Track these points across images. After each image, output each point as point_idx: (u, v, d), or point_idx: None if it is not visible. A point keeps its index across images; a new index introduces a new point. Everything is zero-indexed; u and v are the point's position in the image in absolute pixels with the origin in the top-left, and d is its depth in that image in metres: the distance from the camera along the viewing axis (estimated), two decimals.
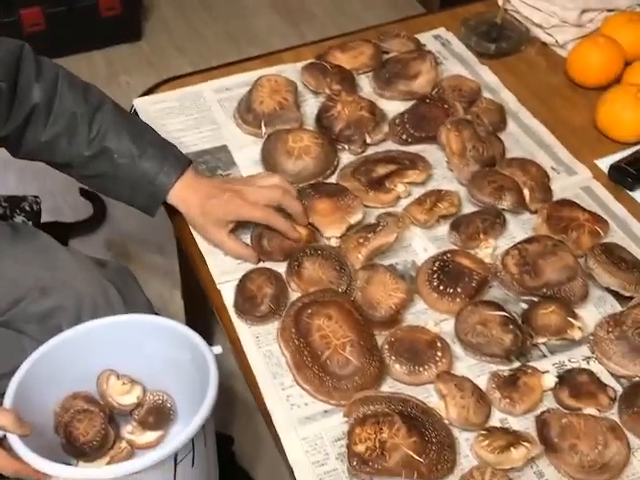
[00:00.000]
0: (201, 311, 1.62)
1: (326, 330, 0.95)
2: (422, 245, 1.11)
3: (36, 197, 1.43)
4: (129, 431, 1.13)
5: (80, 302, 1.17)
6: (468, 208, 1.15)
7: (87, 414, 1.06)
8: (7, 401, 0.99)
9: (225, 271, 1.07)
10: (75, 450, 1.06)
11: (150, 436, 1.13)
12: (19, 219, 1.43)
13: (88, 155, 1.08)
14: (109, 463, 1.09)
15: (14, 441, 0.95)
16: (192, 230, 1.12)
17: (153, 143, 1.10)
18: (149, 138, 1.11)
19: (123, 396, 1.09)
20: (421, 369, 0.95)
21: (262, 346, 1.00)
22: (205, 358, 1.03)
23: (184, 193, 1.09)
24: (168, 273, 1.87)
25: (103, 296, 1.20)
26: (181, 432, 0.97)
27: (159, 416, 1.12)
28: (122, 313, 1.19)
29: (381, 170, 1.16)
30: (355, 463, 0.86)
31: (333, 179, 1.18)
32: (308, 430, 0.91)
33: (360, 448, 0.87)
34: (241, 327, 1.02)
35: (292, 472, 0.89)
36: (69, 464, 1.08)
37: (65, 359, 1.07)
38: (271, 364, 0.98)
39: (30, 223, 1.42)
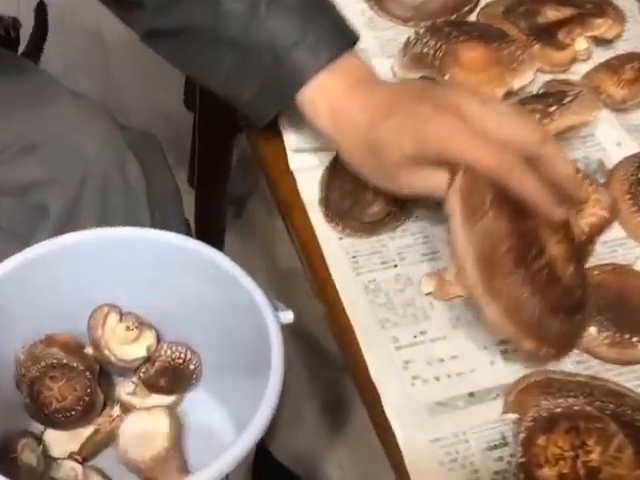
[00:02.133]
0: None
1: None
2: (613, 137, 0.70)
3: (14, 18, 1.01)
4: (128, 391, 0.74)
5: (83, 174, 0.78)
6: None
7: (65, 371, 0.67)
8: None
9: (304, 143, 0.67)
10: (44, 418, 0.69)
11: (157, 400, 0.75)
12: None
13: None
14: (93, 436, 0.71)
15: None
16: None
17: None
18: None
19: (126, 346, 0.71)
20: (635, 339, 0.57)
21: (362, 272, 0.61)
22: (265, 327, 0.63)
23: (337, 94, 0.60)
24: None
25: (118, 170, 0.80)
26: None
27: (175, 379, 0.74)
28: (142, 201, 0.81)
29: (552, 14, 0.74)
30: None
31: (472, 18, 0.77)
32: (442, 426, 0.54)
33: (548, 474, 0.49)
34: (329, 239, 0.63)
35: None
36: (30, 433, 0.71)
37: (41, 282, 0.69)
38: (378, 304, 0.60)
39: None
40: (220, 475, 0.56)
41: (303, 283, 0.69)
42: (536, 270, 0.53)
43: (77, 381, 0.69)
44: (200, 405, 0.78)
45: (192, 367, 0.75)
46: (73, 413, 0.69)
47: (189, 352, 0.74)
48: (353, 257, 0.62)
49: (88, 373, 0.69)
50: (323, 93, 0.60)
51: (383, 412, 0.54)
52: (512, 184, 0.53)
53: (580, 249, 0.61)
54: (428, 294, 0.60)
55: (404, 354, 0.57)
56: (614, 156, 0.69)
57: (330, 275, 0.61)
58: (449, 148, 0.54)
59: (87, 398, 0.69)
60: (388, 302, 0.59)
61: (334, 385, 1.25)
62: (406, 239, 0.63)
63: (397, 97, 0.59)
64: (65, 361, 0.69)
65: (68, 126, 0.81)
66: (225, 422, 0.77)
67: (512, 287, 0.52)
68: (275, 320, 0.63)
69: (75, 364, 0.69)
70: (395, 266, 0.61)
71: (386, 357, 0.57)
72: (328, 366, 1.26)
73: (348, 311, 0.59)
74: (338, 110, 0.59)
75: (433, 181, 0.56)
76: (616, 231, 0.64)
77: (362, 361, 0.57)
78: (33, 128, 0.80)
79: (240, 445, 0.57)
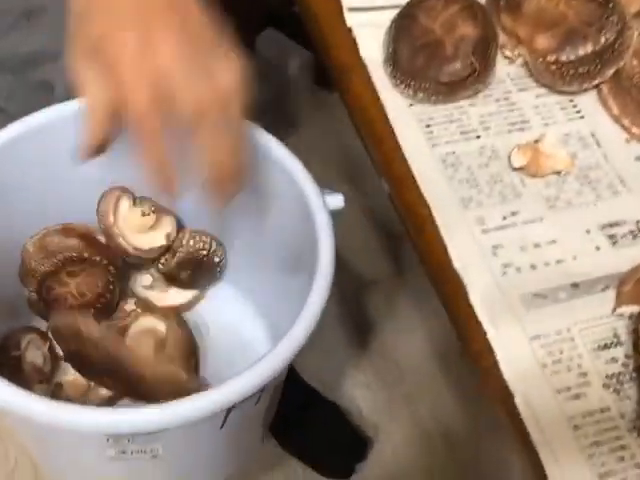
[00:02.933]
0: None
1: None
2: None
3: None
4: (145, 284, 0.66)
5: None
6: None
7: (87, 265, 0.58)
8: None
9: None
10: (54, 314, 0.60)
11: (177, 296, 0.67)
12: None
13: None
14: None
15: None
16: None
17: None
18: None
19: (143, 234, 0.62)
20: None
21: (438, 144, 0.51)
22: (310, 214, 0.53)
23: None
24: None
25: None
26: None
27: (198, 273, 0.65)
28: None
29: None
30: None
31: None
32: (542, 321, 0.44)
33: None
34: (396, 106, 0.52)
35: (506, 407, 0.43)
36: (36, 329, 0.63)
37: (44, 159, 0.58)
38: (458, 180, 0.50)
39: None
40: (260, 384, 0.47)
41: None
42: None
43: (99, 277, 0.60)
44: (224, 302, 0.69)
45: (217, 259, 0.65)
46: (91, 311, 0.60)
47: (214, 243, 0.64)
48: (427, 126, 0.51)
49: (112, 267, 0.60)
50: None
51: (468, 306, 0.45)
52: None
53: None
54: (519, 169, 0.50)
55: (492, 238, 0.47)
56: None
57: (399, 147, 0.51)
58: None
59: (108, 295, 0.61)
60: (471, 178, 0.50)
61: (360, 304, 1.17)
62: (490, 106, 0.52)
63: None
64: (86, 254, 0.60)
65: None
66: (252, 321, 0.68)
67: None
68: (323, 206, 0.53)
69: (98, 258, 0.60)
70: (478, 137, 0.51)
71: (470, 242, 0.47)
72: (353, 282, 1.18)
73: (423, 189, 0.49)
74: None
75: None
76: None
77: (439, 247, 0.47)
78: None
79: (281, 352, 0.47)
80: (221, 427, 0.52)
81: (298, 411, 1.00)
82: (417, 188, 0.49)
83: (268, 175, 0.56)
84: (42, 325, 0.64)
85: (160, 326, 0.63)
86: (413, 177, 0.50)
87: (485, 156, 0.50)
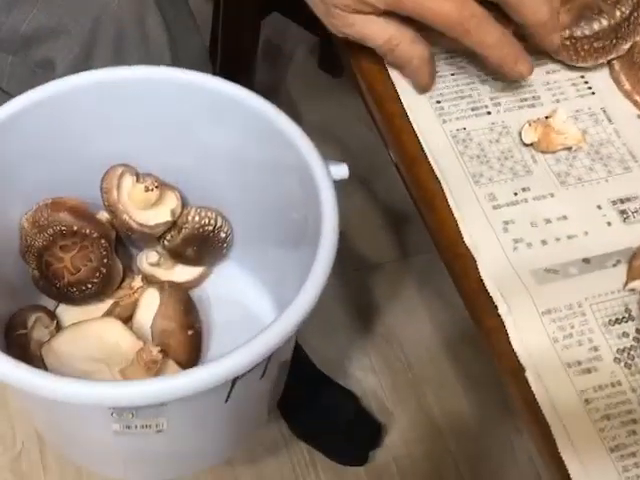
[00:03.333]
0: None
1: None
2: None
3: None
4: (151, 261, 0.66)
5: (95, 22, 0.65)
6: None
7: (77, 239, 0.58)
8: None
9: None
10: (56, 292, 0.61)
11: (182, 273, 0.67)
12: None
13: None
14: (112, 309, 0.63)
15: None
16: None
17: None
18: None
19: (147, 210, 0.62)
20: None
21: (449, 120, 0.51)
22: (313, 181, 0.53)
23: None
24: None
25: (137, 22, 0.67)
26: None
27: (204, 249, 0.65)
28: (165, 60, 0.69)
29: None
30: None
31: None
32: (553, 296, 0.44)
33: None
34: (406, 81, 0.52)
35: (517, 382, 0.43)
36: (42, 307, 0.62)
37: (46, 132, 0.58)
38: (469, 157, 0.49)
39: None
40: (265, 353, 0.47)
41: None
42: None
43: (92, 250, 0.60)
44: (231, 278, 0.70)
45: (223, 235, 0.65)
46: (89, 286, 0.60)
47: (220, 218, 0.65)
48: (437, 102, 0.51)
49: (104, 241, 0.60)
50: None
51: (479, 281, 0.45)
52: (469, 41, 0.47)
53: None
54: (529, 145, 0.50)
55: (503, 214, 0.47)
56: None
57: (409, 123, 0.51)
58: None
59: (104, 270, 0.61)
60: (481, 154, 0.49)
61: (364, 287, 1.17)
62: (500, 82, 0.52)
63: None
64: (75, 228, 0.59)
65: None
66: (259, 297, 0.69)
67: None
68: (327, 175, 0.53)
69: (88, 230, 0.59)
70: (489, 113, 0.51)
71: (481, 217, 0.47)
72: (357, 265, 1.18)
73: (433, 165, 0.49)
74: None
75: (369, 30, 0.49)
76: None
77: (450, 223, 0.47)
78: None
79: (285, 321, 0.48)
80: (226, 401, 0.53)
81: (311, 396, 1.00)
82: (428, 164, 0.49)
83: (273, 147, 0.56)
84: (49, 303, 0.64)
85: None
86: (424, 153, 0.50)
87: (496, 132, 0.50)
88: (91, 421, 0.55)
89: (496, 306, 0.44)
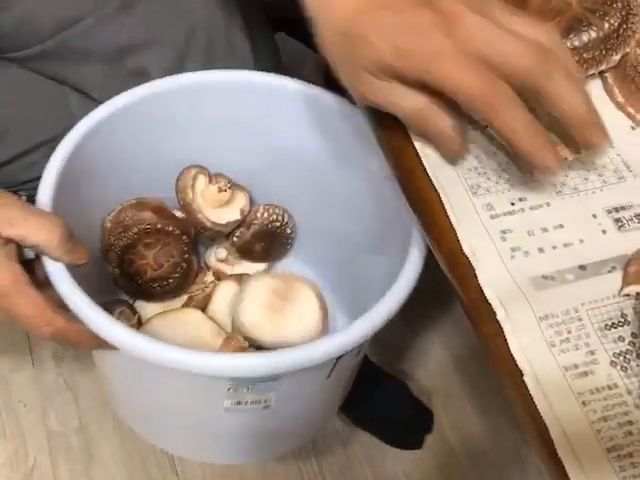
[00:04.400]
0: None
1: None
2: None
3: None
4: (220, 258, 0.70)
5: (188, 36, 0.67)
6: None
7: (161, 236, 0.62)
8: (44, 199, 0.54)
9: None
10: (136, 289, 0.65)
11: (249, 268, 0.72)
12: None
13: None
14: (188, 303, 0.67)
15: (56, 274, 0.52)
16: None
17: None
18: None
19: (219, 209, 0.66)
20: None
21: None
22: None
23: None
24: None
25: (224, 32, 0.69)
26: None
27: (272, 244, 0.69)
28: (249, 67, 0.71)
29: None
30: None
31: None
32: (551, 301, 0.46)
33: None
34: None
35: (515, 386, 0.44)
36: (125, 302, 0.65)
37: (127, 139, 0.61)
38: (467, 169, 0.51)
39: None
40: (368, 334, 0.52)
41: None
42: None
43: (174, 246, 0.64)
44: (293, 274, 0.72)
45: (289, 231, 0.69)
46: (170, 281, 0.64)
47: (286, 215, 0.68)
48: None
49: (185, 237, 0.64)
50: None
51: (478, 288, 0.46)
52: (494, 122, 0.45)
53: None
54: None
55: (501, 223, 0.49)
56: None
57: (409, 139, 0.52)
58: (431, 71, 0.45)
59: (184, 265, 0.65)
60: (479, 166, 0.51)
61: None
62: None
63: None
64: (159, 225, 0.63)
65: None
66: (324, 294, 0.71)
67: None
68: None
69: (170, 228, 0.63)
70: (485, 127, 0.53)
71: (479, 227, 0.48)
72: None
73: (432, 177, 0.50)
74: None
75: (397, 98, 0.48)
76: None
77: (449, 233, 0.49)
78: None
79: (387, 303, 0.53)
80: (328, 377, 0.55)
81: (369, 389, 1.03)
82: (426, 176, 0.51)
83: (350, 151, 0.59)
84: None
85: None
86: (423, 167, 0.51)
87: (493, 145, 0.52)
88: (205, 398, 0.57)
89: (495, 312, 0.45)
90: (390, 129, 0.53)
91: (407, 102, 0.48)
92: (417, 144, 0.51)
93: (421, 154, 0.51)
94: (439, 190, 0.50)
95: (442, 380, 1.11)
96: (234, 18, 0.69)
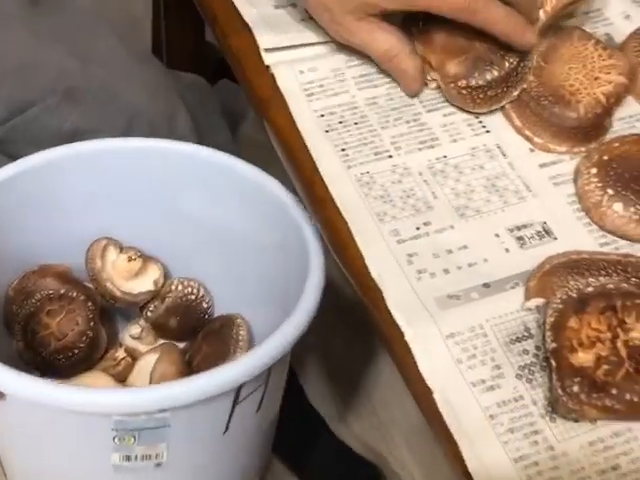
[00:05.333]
0: None
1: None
2: (621, 10, 0.64)
3: None
4: (134, 334, 0.68)
5: (127, 127, 0.71)
6: None
7: (64, 303, 0.61)
8: None
9: None
10: (42, 362, 0.62)
11: None
12: None
13: None
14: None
15: None
16: None
17: None
18: None
19: (131, 280, 0.65)
20: None
21: (353, 165, 0.54)
22: (301, 234, 0.61)
23: None
24: None
25: (166, 118, 0.74)
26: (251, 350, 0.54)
27: (187, 319, 0.68)
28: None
29: None
30: (576, 390, 0.42)
31: None
32: (456, 320, 0.47)
33: (584, 359, 0.42)
34: (313, 132, 0.56)
35: (426, 403, 0.45)
36: None
37: (34, 200, 0.62)
38: (373, 197, 0.52)
39: None
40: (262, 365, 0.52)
41: None
42: None
43: (79, 313, 0.62)
44: None
45: (205, 305, 0.68)
46: (76, 352, 0.62)
47: (202, 289, 0.68)
48: (342, 150, 0.54)
49: (91, 304, 0.62)
50: None
51: (387, 311, 0.47)
52: (478, 22, 0.54)
53: (597, 123, 0.54)
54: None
55: (407, 247, 0.50)
56: (623, 29, 0.62)
57: (317, 171, 0.54)
58: None
59: (90, 333, 0.63)
60: (385, 194, 0.53)
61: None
62: (400, 127, 0.56)
63: None
64: (62, 291, 0.62)
65: (113, 67, 0.74)
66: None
67: None
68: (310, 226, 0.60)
69: (74, 293, 0.62)
70: (390, 156, 0.54)
71: (386, 252, 0.50)
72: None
73: (340, 207, 0.52)
74: None
75: (371, 39, 0.56)
76: (633, 107, 0.58)
77: (359, 260, 0.50)
78: (74, 70, 0.72)
79: (281, 335, 0.54)
80: (225, 431, 0.54)
81: (308, 438, 1.01)
82: (336, 207, 0.52)
83: (269, 226, 0.61)
84: None
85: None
86: (332, 197, 0.53)
87: (397, 173, 0.53)
88: (92, 451, 0.55)
89: (403, 333, 0.46)
90: (300, 160, 0.55)
91: (378, 43, 0.56)
92: (324, 174, 0.53)
93: (329, 186, 0.53)
94: (347, 219, 0.51)
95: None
96: (178, 108, 0.75)
